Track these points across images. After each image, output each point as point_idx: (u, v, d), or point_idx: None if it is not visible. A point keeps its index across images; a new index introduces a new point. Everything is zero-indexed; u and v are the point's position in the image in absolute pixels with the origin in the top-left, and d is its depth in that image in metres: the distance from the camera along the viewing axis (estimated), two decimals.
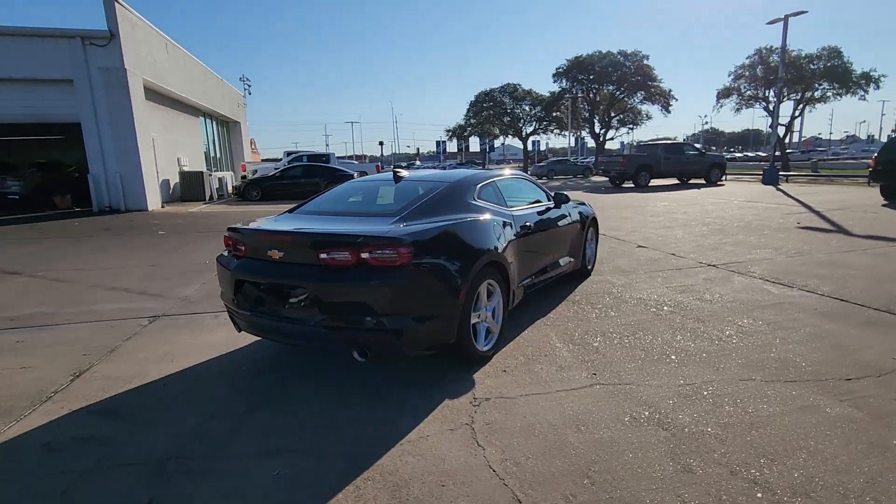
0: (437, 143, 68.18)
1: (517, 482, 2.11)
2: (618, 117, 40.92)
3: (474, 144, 56.82)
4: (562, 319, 4.22)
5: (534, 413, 2.69)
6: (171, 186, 18.57)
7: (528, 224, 4.13)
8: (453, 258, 3.04)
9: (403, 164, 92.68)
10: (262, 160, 46.43)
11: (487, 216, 3.59)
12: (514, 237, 3.84)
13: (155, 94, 17.16)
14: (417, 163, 77.22)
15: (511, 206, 4.13)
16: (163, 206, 16.03)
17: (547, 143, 59.67)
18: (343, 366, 3.37)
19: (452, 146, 62.25)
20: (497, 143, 54.01)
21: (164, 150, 18.03)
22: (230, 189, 21.40)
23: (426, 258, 2.88)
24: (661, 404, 2.72)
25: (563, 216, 4.93)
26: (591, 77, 35.98)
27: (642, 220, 10.38)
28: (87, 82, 14.13)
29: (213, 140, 25.81)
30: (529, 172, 38.42)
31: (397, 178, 3.86)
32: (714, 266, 6.00)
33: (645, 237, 8.19)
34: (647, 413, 2.64)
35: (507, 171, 4.64)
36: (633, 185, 20.09)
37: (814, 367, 3.13)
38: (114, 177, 14.68)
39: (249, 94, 32.42)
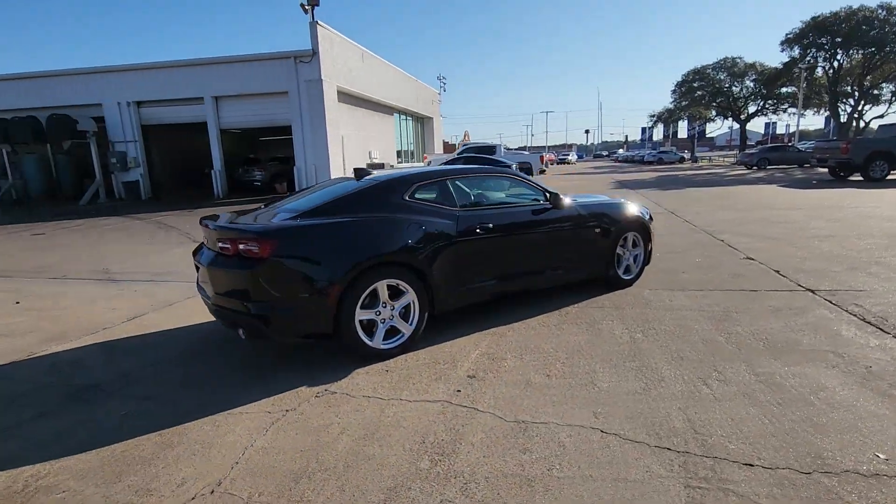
0: (643, 129, 62.35)
1: (242, 470, 2.25)
2: (890, 87, 30.85)
3: (684, 130, 50.04)
4: (517, 331, 3.86)
5: (349, 414, 2.71)
6: None
7: (486, 225, 3.88)
8: (329, 254, 3.19)
9: (604, 154, 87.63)
10: None
11: (404, 216, 3.56)
12: (454, 238, 3.70)
13: (350, 98, 20.24)
14: (620, 151, 72.19)
15: (468, 206, 3.95)
16: None
17: (787, 126, 48.51)
18: (267, 345, 3.79)
19: (659, 132, 56.11)
20: (714, 126, 46.38)
21: (356, 145, 21.18)
22: None
23: (293, 253, 3.12)
24: (472, 437, 2.43)
25: (566, 218, 4.39)
26: (837, 40, 27.64)
27: (803, 225, 8.05)
28: (296, 92, 17.59)
29: (407, 134, 29.04)
30: (736, 161, 32.27)
31: (358, 177, 4.07)
32: (811, 292, 4.48)
33: (772, 248, 6.44)
34: (442, 441, 2.40)
35: (482, 169, 4.39)
36: (861, 179, 15.20)
37: (723, 440, 2.29)
38: (310, 168, 18.04)
39: (444, 90, 35.15)
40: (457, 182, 4.05)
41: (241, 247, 3.12)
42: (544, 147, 76.12)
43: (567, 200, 4.47)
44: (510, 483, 2.06)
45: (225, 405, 2.87)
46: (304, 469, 2.23)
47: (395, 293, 3.46)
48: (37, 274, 6.82)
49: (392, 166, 22.62)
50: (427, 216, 3.67)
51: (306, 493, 2.06)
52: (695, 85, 37.91)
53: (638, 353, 3.33)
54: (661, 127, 50.77)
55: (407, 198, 3.71)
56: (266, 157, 24.26)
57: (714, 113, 40.73)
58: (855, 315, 3.85)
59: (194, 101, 18.85)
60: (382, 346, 3.42)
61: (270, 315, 3.09)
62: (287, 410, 2.78)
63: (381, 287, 3.37)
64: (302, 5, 17.07)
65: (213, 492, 2.10)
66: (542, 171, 21.66)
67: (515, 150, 45.66)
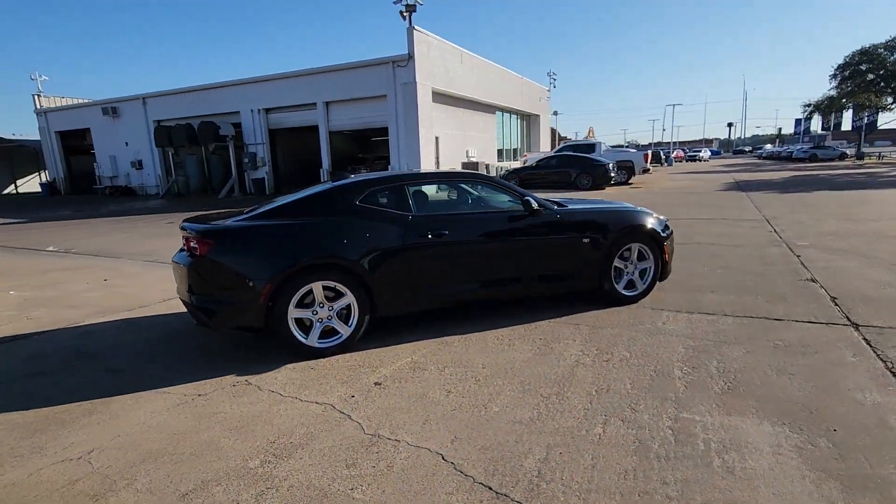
0: (796, 121, 53.56)
1: (116, 443, 2.55)
2: None
3: (849, 121, 41.55)
4: (468, 342, 3.70)
5: (241, 405, 2.88)
6: None
7: (441, 231, 3.79)
8: (262, 254, 3.39)
9: (747, 150, 77.09)
10: None
11: (351, 220, 3.63)
12: (404, 244, 3.68)
13: (447, 98, 20.69)
14: (767, 146, 63.19)
15: (425, 212, 3.89)
16: None
17: None
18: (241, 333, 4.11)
19: (818, 124, 47.70)
20: (892, 116, 37.69)
21: (453, 144, 21.62)
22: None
23: (227, 251, 3.39)
24: (320, 443, 2.45)
25: (542, 226, 4.09)
26: None
27: None
28: (393, 96, 18.50)
29: (510, 133, 28.81)
30: None
31: (333, 181, 4.23)
32: (854, 327, 3.59)
33: (854, 269, 5.23)
34: (290, 444, 2.45)
35: (453, 173, 4.23)
36: None
37: (559, 489, 2.00)
38: (403, 167, 18.84)
39: (554, 87, 33.96)
40: (417, 187, 4.01)
41: (191, 244, 3.47)
42: (673, 143, 69.44)
43: (549, 206, 4.16)
44: (304, 495, 2.05)
45: (160, 383, 3.23)
46: (160, 450, 2.45)
47: (335, 294, 3.57)
48: (141, 256, 8.19)
49: (487, 166, 22.67)
50: (375, 221, 3.70)
51: (139, 473, 2.27)
52: (862, 68, 31.48)
53: (565, 380, 3.01)
54: (819, 118, 43.17)
55: (358, 202, 3.77)
56: (373, 156, 25.90)
57: (891, 100, 33.42)
58: (885, 361, 3.01)
59: (309, 106, 20.86)
60: (317, 345, 3.54)
61: (207, 306, 3.40)
62: (199, 395, 3.05)
63: (317, 288, 3.49)
64: (401, 12, 17.88)
65: (80, 458, 2.41)
66: (646, 171, 19.93)
67: (639, 147, 42.54)
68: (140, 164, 27.39)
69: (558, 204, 4.59)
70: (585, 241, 4.20)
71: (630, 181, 20.00)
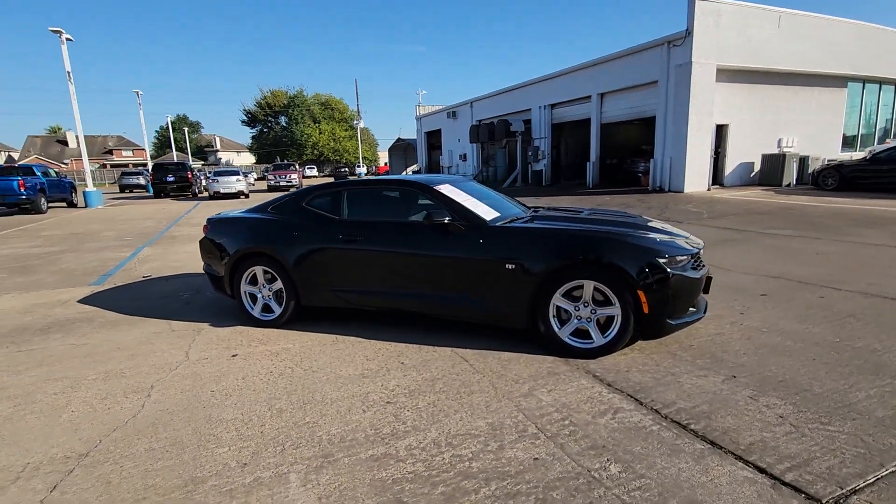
0: None
1: (71, 351, 4.08)
2: None
3: None
4: (347, 347, 3.75)
5: (163, 342, 3.99)
6: (754, 170, 17.75)
7: (355, 237, 3.95)
8: (226, 241, 4.40)
9: None
10: None
11: (291, 219, 4.22)
12: (324, 244, 4.03)
13: (747, 75, 16.60)
14: None
15: (350, 217, 4.08)
16: (708, 189, 16.18)
17: None
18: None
19: None
20: None
21: (754, 131, 17.36)
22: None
23: (212, 236, 4.54)
24: (122, 382, 3.30)
25: (459, 242, 3.58)
26: None
27: None
28: (665, 80, 16.27)
29: (873, 111, 20.57)
30: None
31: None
32: None
33: None
34: (115, 372, 3.40)
35: (390, 180, 4.06)
36: None
37: None
38: (665, 160, 16.47)
39: None
40: (353, 193, 4.18)
41: None
42: None
43: (477, 220, 3.62)
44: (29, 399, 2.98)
45: (183, 318, 4.64)
46: (93, 353, 3.79)
47: (273, 279, 4.27)
48: None
49: (802, 159, 17.14)
50: (308, 221, 4.17)
51: (63, 361, 3.66)
52: None
53: (298, 408, 2.85)
54: None
55: (304, 204, 4.30)
56: (651, 147, 23.34)
57: None
58: None
59: (584, 99, 20.67)
60: (259, 317, 4.35)
61: (208, 272, 4.70)
62: (173, 331, 4.32)
63: (259, 271, 4.29)
64: None
65: (72, 345, 4.01)
66: None
67: None
68: (465, 156, 33.16)
69: (538, 217, 3.89)
70: (510, 266, 3.43)
71: None
